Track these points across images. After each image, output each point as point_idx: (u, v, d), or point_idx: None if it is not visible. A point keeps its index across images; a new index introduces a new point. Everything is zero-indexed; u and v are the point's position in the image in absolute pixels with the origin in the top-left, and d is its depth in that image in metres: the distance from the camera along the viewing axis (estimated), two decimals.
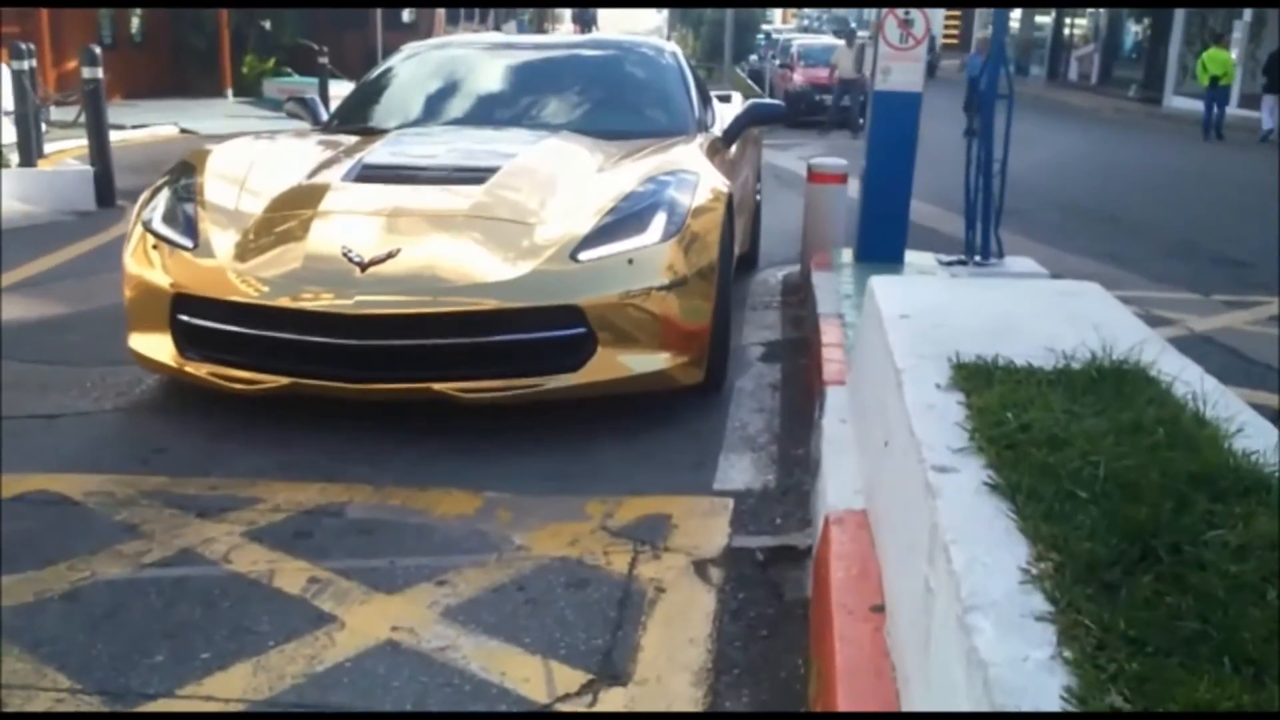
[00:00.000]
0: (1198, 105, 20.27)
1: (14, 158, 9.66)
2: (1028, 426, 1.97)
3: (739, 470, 3.74)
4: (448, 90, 5.77)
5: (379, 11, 20.77)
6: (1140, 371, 2.32)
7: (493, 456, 3.79)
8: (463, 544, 3.13)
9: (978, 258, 6.14)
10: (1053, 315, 2.80)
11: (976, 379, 2.30)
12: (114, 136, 10.08)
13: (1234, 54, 21.32)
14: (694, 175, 4.41)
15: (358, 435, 3.90)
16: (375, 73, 6.27)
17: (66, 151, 11.54)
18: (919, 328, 2.69)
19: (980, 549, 1.58)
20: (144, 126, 14.81)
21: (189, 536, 3.13)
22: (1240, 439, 1.98)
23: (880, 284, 3.14)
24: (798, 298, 6.29)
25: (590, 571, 2.98)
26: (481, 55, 5.96)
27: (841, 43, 19.15)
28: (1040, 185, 11.27)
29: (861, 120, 17.60)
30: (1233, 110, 19.37)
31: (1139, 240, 9.06)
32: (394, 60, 6.24)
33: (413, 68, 6.05)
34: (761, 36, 34.52)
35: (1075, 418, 2.07)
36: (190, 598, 2.81)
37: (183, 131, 15.36)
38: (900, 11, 5.63)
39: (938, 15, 18.14)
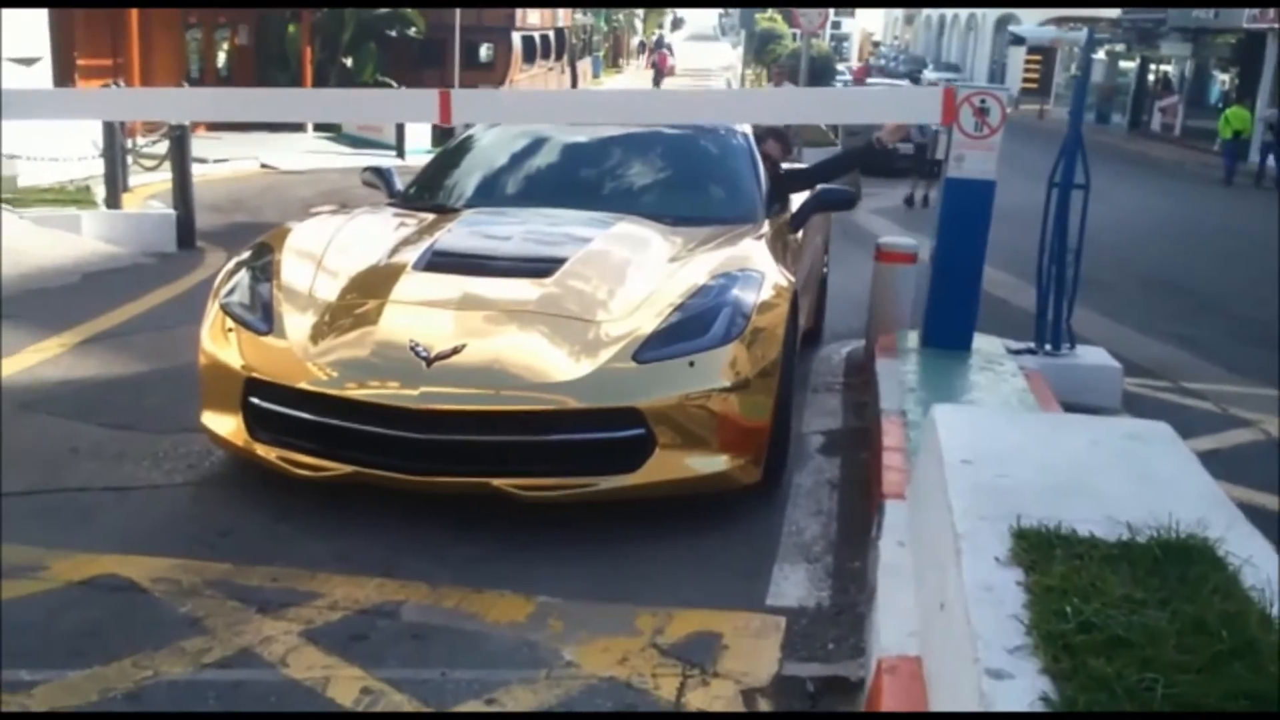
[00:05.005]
0: None
1: (100, 190, 10.00)
2: (1088, 626, 1.94)
3: (793, 584, 3.71)
4: (524, 167, 5.85)
5: (456, 51, 21.13)
6: (1207, 550, 2.28)
7: (548, 555, 3.82)
8: (513, 656, 3.16)
9: (1048, 346, 6.06)
10: (1119, 469, 2.76)
11: (1038, 552, 2.27)
12: (196, 170, 10.34)
13: None
14: (759, 274, 4.42)
15: (417, 527, 3.95)
16: (452, 144, 6.39)
17: (150, 186, 11.90)
18: (981, 480, 2.66)
19: None
20: (225, 161, 15.19)
21: (249, 635, 3.19)
22: None
23: (944, 415, 3.12)
24: (861, 379, 6.25)
25: (638, 695, 2.98)
26: (558, 132, 6.03)
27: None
28: (1116, 251, 11.12)
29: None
30: None
31: (1216, 318, 8.88)
32: (473, 131, 6.34)
33: (489, 141, 6.14)
34: (840, 81, 34.13)
35: (1138, 607, 2.04)
36: (246, 704, 2.87)
37: (263, 167, 15.72)
38: (976, 99, 5.59)
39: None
